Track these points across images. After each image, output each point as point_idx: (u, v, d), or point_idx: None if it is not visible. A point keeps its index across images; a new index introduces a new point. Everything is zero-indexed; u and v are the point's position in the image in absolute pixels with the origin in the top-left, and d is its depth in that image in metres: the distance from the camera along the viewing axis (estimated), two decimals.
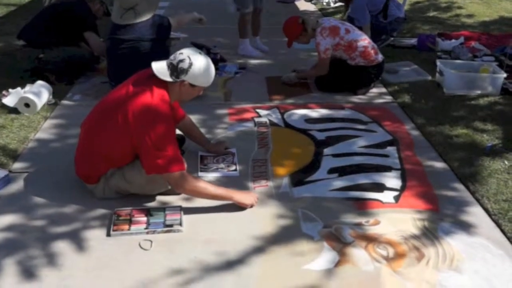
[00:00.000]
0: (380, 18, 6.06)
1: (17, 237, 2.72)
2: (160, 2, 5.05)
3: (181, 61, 2.85)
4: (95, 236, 2.73)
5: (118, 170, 2.95)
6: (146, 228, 2.76)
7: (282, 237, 2.74)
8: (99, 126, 2.92)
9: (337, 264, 2.54)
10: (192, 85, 2.92)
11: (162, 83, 2.87)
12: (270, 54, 5.96)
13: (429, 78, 5.13)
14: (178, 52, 2.91)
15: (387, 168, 3.45)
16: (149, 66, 2.92)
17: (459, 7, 8.56)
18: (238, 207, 2.95)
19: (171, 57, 2.91)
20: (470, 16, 8.02)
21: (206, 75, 2.95)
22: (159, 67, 2.89)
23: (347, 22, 5.18)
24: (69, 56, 4.88)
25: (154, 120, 2.76)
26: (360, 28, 5.22)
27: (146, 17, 4.34)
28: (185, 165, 2.84)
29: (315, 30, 4.70)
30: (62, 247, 2.64)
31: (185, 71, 2.85)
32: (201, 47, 5.05)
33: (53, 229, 2.79)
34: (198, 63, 2.88)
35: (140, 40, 4.28)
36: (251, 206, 2.97)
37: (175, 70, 2.85)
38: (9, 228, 2.78)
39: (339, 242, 2.70)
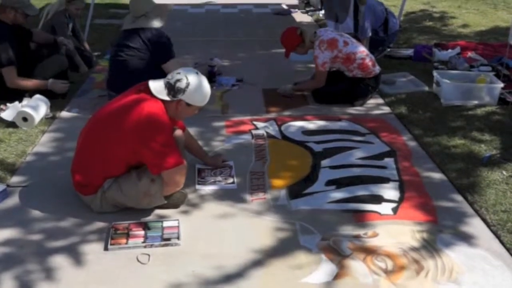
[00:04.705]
0: (380, 33, 6.04)
1: (15, 251, 2.71)
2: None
3: (178, 80, 2.90)
4: (92, 250, 2.72)
5: (114, 183, 2.95)
6: (143, 242, 2.75)
7: (280, 250, 2.73)
8: (96, 135, 2.96)
9: (336, 276, 2.53)
10: (188, 104, 2.97)
11: (159, 101, 2.91)
12: (267, 66, 5.97)
13: (426, 88, 5.14)
14: (175, 71, 2.97)
15: (385, 180, 3.45)
16: (147, 77, 3.00)
17: (455, 17, 8.60)
18: (236, 219, 2.98)
19: (169, 76, 2.97)
20: (466, 26, 8.06)
21: (203, 95, 3.01)
22: (157, 86, 2.94)
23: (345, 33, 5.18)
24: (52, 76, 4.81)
25: (156, 128, 2.82)
26: (358, 39, 5.24)
27: (157, 24, 4.37)
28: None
29: (313, 42, 4.72)
30: (59, 261, 2.63)
31: (182, 90, 2.90)
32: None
33: (51, 243, 2.78)
34: (195, 83, 2.94)
35: (142, 49, 4.28)
36: None
37: (172, 89, 2.90)
38: (7, 242, 2.78)
39: (338, 255, 2.69)
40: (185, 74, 2.93)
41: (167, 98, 2.91)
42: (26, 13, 4.71)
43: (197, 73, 3.00)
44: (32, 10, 4.75)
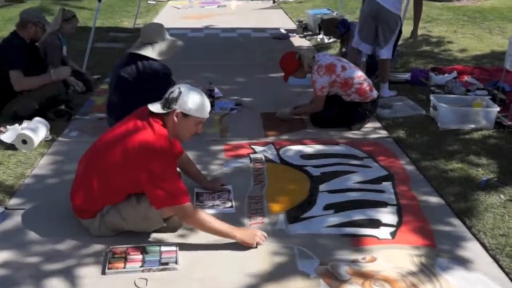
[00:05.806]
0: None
1: (11, 274, 2.70)
2: None
3: (172, 92, 2.95)
4: (89, 274, 2.71)
5: (113, 207, 2.95)
6: (141, 266, 2.74)
7: (278, 274, 2.72)
8: (98, 161, 2.95)
9: None
10: (185, 115, 2.93)
11: (159, 119, 2.92)
12: (265, 90, 6.01)
13: (423, 112, 5.17)
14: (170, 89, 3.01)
15: (383, 204, 3.45)
16: (146, 103, 3.00)
17: (451, 42, 8.69)
18: (233, 244, 2.94)
19: (165, 94, 3.00)
20: (462, 50, 8.13)
21: (198, 103, 2.96)
22: (155, 105, 2.97)
23: (342, 57, 5.23)
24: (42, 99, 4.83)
25: (155, 155, 2.81)
26: (356, 64, 5.28)
27: (159, 56, 4.29)
28: (189, 198, 2.88)
29: (312, 67, 4.76)
30: (56, 284, 2.62)
31: (175, 99, 2.91)
32: None
33: (48, 266, 2.77)
34: (188, 91, 2.95)
35: (137, 78, 4.24)
36: (257, 245, 2.94)
37: (167, 101, 2.93)
38: (3, 264, 2.77)
39: (336, 280, 2.68)
40: (178, 86, 2.98)
41: (162, 110, 2.92)
42: (44, 28, 4.96)
43: (191, 85, 3.04)
44: (48, 24, 5.02)
